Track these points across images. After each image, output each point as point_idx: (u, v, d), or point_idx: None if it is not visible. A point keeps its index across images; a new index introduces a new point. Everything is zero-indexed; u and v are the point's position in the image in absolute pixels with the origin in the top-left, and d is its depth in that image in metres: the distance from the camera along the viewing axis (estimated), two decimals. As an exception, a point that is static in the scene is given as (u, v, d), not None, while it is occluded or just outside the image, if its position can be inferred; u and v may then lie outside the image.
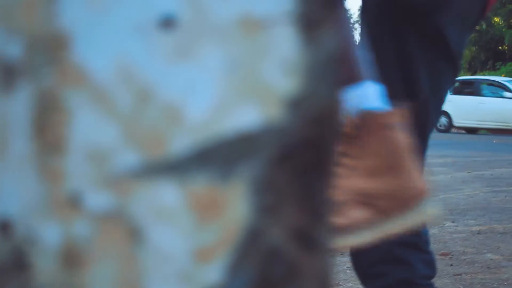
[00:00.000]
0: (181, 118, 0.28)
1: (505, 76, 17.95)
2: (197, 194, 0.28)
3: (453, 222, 4.23)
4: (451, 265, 3.19)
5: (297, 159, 0.30)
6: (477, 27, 23.09)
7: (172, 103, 0.28)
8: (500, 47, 23.12)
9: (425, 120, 1.30)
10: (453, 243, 3.63)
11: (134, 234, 0.28)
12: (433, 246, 3.48)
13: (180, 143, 0.28)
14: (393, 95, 1.26)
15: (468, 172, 6.94)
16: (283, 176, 0.29)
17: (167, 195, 0.28)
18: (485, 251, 3.44)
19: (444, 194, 5.42)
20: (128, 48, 0.27)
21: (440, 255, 3.37)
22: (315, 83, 0.29)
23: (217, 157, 0.28)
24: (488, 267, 3.13)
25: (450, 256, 3.34)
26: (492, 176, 6.57)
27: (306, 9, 0.29)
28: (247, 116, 0.29)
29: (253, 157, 0.29)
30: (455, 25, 1.24)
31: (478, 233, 3.88)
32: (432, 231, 3.94)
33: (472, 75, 22.42)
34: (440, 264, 3.18)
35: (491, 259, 3.27)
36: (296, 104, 0.29)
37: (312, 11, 0.29)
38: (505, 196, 5.20)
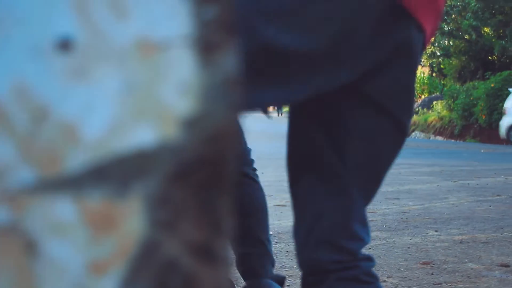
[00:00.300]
0: (77, 136, 0.29)
1: (494, 86, 18.06)
2: (92, 209, 0.29)
3: (436, 231, 4.25)
4: (432, 274, 3.20)
5: (193, 176, 0.31)
6: (467, 37, 23.12)
7: (68, 122, 0.29)
8: (489, 57, 23.23)
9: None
10: (435, 252, 3.65)
11: (30, 248, 0.29)
12: (415, 255, 3.50)
13: (76, 160, 0.29)
14: (330, 178, 1.28)
15: (454, 181, 6.97)
16: (180, 193, 0.31)
17: (63, 210, 0.29)
18: (466, 260, 3.46)
19: (429, 203, 5.45)
20: (25, 69, 0.28)
21: (421, 264, 3.39)
22: (211, 104, 0.31)
23: (113, 174, 0.30)
24: (469, 277, 3.15)
25: (431, 265, 3.36)
26: (478, 185, 6.60)
27: (203, 33, 0.31)
28: (143, 135, 0.30)
29: (149, 174, 0.30)
30: (389, 89, 1.22)
31: (460, 242, 3.90)
32: (415, 240, 3.96)
33: (462, 84, 22.52)
34: (421, 273, 3.20)
35: (472, 269, 3.28)
36: (192, 123, 0.30)
37: (209, 35, 0.31)
38: (489, 206, 5.22)
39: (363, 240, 1.33)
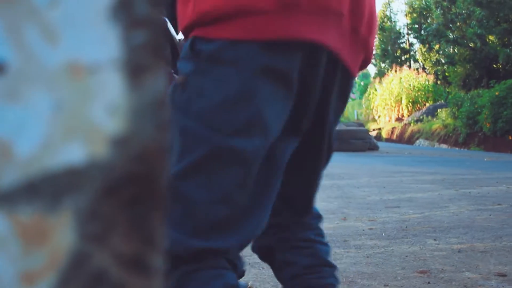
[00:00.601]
0: (10, 154, 0.31)
1: (499, 94, 18.04)
2: (24, 223, 0.31)
3: (435, 240, 4.25)
4: (429, 283, 3.21)
5: (123, 192, 0.33)
6: (471, 45, 23.11)
7: (2, 141, 0.31)
8: (494, 65, 23.21)
9: None
10: (432, 261, 3.65)
11: (-37, 259, 0.31)
12: (413, 264, 3.51)
13: (9, 176, 0.31)
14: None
15: (456, 190, 6.96)
16: (109, 207, 0.32)
17: (-5, 223, 0.31)
18: (463, 269, 3.46)
19: (429, 211, 5.45)
20: (-41, 91, 0.30)
21: (418, 272, 3.39)
22: (139, 123, 0.33)
23: (44, 189, 0.31)
24: (465, 286, 3.15)
25: (428, 274, 3.36)
26: (479, 194, 6.60)
27: (132, 57, 0.32)
28: (73, 153, 0.32)
29: (79, 190, 0.32)
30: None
31: (458, 251, 3.90)
32: (413, 249, 3.96)
33: (466, 92, 22.51)
34: (418, 281, 3.21)
35: (469, 278, 3.29)
36: (120, 142, 0.32)
37: (138, 58, 0.33)
38: (490, 215, 5.22)
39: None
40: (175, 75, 1.68)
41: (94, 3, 0.32)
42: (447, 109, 22.02)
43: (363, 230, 4.50)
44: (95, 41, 0.32)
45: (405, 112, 27.81)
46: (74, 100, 0.32)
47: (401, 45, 38.60)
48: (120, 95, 0.32)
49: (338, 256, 3.75)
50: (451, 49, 26.07)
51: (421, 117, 24.16)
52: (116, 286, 0.33)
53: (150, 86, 0.33)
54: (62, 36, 0.32)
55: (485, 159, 13.07)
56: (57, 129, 0.31)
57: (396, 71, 30.72)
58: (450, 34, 25.23)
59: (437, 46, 28.28)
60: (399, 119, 27.86)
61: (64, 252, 0.32)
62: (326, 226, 4.67)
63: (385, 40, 38.73)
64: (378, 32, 39.65)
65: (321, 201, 5.88)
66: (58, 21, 0.31)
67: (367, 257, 3.75)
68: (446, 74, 26.83)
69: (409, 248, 4.00)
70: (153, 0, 0.33)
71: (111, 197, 0.32)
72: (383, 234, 4.40)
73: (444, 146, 20.56)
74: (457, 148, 19.37)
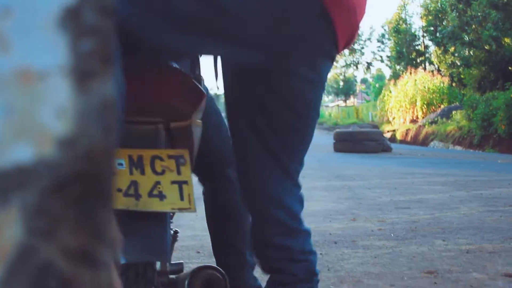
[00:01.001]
0: (-38, 153, 0.33)
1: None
2: (-25, 218, 0.34)
3: (443, 240, 4.25)
4: (435, 283, 3.21)
5: (70, 189, 0.35)
6: (487, 47, 22.96)
7: (-46, 141, 0.33)
8: (509, 67, 23.02)
9: None
10: (440, 262, 3.65)
11: None
12: (420, 264, 3.51)
13: (-39, 174, 0.33)
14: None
15: (467, 191, 6.94)
16: (57, 203, 0.35)
17: None
18: (471, 270, 3.46)
19: (439, 212, 5.44)
20: None
21: (425, 273, 3.39)
22: (86, 126, 0.35)
23: (-6, 186, 0.34)
24: (471, 286, 3.15)
25: (435, 274, 3.36)
26: (491, 195, 6.57)
27: (79, 63, 0.35)
28: (22, 152, 0.34)
29: (26, 187, 0.34)
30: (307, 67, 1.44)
31: (467, 252, 3.89)
32: (421, 249, 3.96)
33: (481, 94, 22.38)
34: (424, 282, 3.21)
35: (476, 278, 3.28)
36: (67, 143, 0.35)
37: (85, 65, 0.35)
38: (500, 216, 5.20)
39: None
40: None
41: (44, 13, 0.34)
42: (462, 111, 21.89)
43: (372, 230, 4.51)
44: (45, 49, 0.34)
45: (420, 114, 27.70)
46: (23, 103, 0.34)
47: (416, 48, 38.47)
48: (68, 99, 0.34)
49: (346, 256, 3.77)
50: (467, 52, 25.93)
51: (436, 119, 24.05)
52: (63, 278, 0.35)
53: (98, 91, 0.35)
54: (14, 44, 0.34)
55: (499, 161, 12.99)
56: (7, 130, 0.34)
57: (411, 73, 30.61)
58: (466, 36, 25.12)
59: (452, 49, 28.14)
60: (413, 121, 27.76)
61: (11, 245, 0.34)
62: (335, 226, 4.69)
63: (400, 42, 38.62)
64: (393, 34, 39.54)
65: (332, 202, 5.89)
66: (10, 30, 0.34)
67: (375, 257, 3.75)
68: (461, 76, 26.67)
69: (417, 248, 4.00)
70: (102, 10, 0.36)
71: (58, 194, 0.35)
72: (392, 235, 4.40)
73: (458, 148, 20.45)
74: (471, 150, 19.26)
